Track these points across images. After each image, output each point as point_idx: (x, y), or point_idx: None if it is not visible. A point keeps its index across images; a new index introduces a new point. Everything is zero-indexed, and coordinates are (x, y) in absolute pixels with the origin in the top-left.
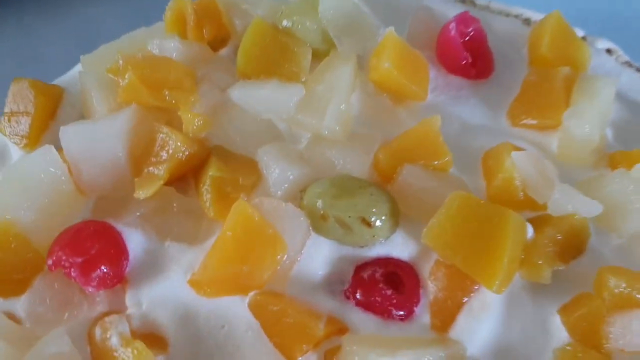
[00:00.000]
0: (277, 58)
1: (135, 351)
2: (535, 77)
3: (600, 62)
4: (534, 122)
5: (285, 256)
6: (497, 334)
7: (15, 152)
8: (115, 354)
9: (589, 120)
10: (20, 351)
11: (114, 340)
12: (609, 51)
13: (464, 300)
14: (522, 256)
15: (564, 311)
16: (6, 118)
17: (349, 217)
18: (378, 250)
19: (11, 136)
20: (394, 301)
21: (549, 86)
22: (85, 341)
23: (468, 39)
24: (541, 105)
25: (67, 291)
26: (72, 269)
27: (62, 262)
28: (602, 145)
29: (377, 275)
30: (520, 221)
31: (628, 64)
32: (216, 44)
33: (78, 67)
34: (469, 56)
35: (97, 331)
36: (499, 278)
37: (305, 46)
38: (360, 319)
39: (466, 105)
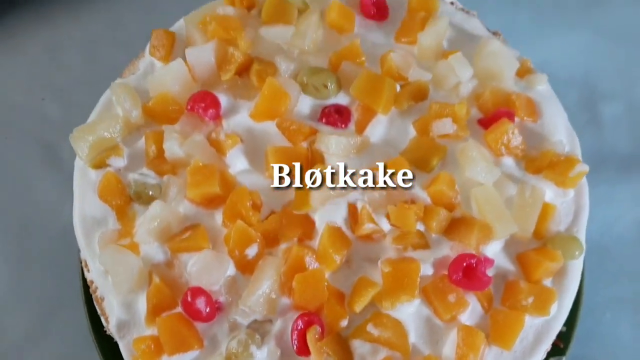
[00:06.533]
0: (280, 13)
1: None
2: (408, 17)
3: (444, 9)
4: (406, 39)
5: (290, 103)
6: None
7: (157, 65)
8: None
9: (431, 35)
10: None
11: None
12: (452, 3)
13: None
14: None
15: None
16: (153, 48)
17: (318, 83)
18: (332, 100)
19: (156, 57)
20: (338, 120)
21: (414, 22)
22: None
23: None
24: (410, 31)
25: (197, 121)
26: (200, 110)
27: (195, 107)
28: (440, 50)
29: (332, 110)
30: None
31: (461, 9)
32: (249, 8)
33: (179, 23)
34: (374, 8)
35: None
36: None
37: (294, 7)
38: (325, 129)
39: (375, 34)
